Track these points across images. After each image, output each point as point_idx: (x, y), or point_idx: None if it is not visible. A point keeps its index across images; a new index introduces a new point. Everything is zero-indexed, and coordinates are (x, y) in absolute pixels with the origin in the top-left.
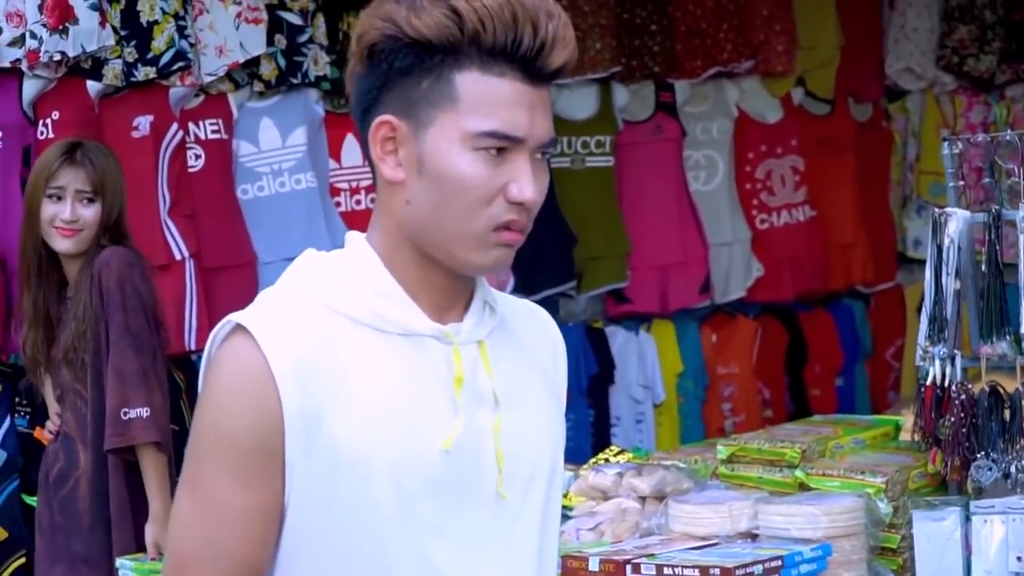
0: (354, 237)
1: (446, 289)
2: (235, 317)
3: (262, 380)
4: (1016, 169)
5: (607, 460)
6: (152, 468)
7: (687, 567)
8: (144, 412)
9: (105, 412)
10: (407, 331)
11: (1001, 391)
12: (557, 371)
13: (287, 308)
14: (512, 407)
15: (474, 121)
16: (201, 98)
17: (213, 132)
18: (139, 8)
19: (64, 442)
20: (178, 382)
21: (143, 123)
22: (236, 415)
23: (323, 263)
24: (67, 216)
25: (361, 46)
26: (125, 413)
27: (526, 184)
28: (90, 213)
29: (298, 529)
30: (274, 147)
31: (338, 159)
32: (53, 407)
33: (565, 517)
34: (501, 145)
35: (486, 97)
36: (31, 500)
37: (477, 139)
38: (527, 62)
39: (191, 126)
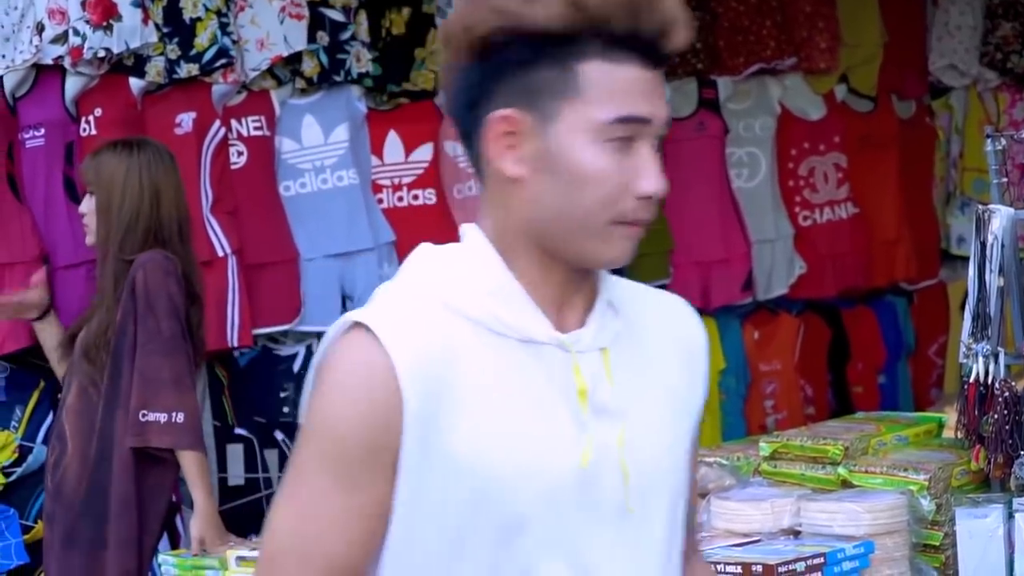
0: (471, 230)
1: (564, 286)
2: (354, 315)
3: (384, 380)
4: None
5: None
6: (191, 467)
7: (729, 564)
8: (162, 417)
9: (117, 405)
10: (525, 338)
11: None
12: (690, 373)
13: (407, 306)
14: (635, 417)
15: (603, 111)
16: (244, 95)
17: (256, 129)
18: (181, 5)
19: (58, 430)
20: (220, 378)
21: (186, 120)
22: (352, 416)
23: (441, 258)
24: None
25: (470, 37)
26: (143, 415)
27: (654, 176)
28: (89, 205)
29: (405, 534)
30: (316, 144)
31: (380, 156)
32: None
33: None
34: (630, 133)
35: (611, 85)
36: None
37: (608, 128)
38: (646, 47)
39: (233, 123)
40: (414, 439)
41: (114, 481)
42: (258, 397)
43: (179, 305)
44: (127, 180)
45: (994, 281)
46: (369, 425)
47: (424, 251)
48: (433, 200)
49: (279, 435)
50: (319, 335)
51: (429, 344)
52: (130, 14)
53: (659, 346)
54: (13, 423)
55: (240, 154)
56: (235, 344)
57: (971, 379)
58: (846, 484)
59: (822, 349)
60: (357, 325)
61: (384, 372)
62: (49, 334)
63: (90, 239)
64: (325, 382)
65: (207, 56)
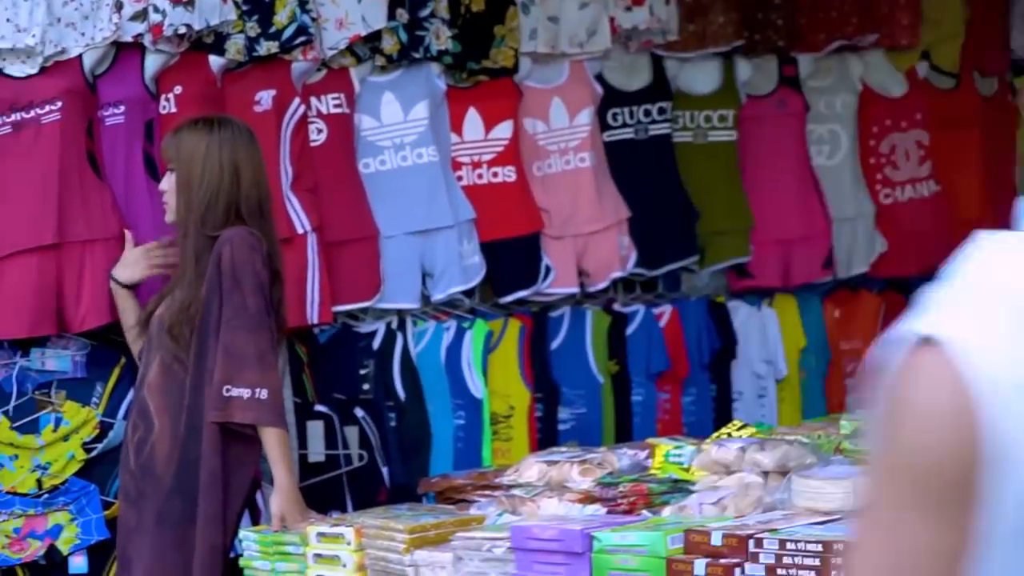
0: None
1: None
2: (919, 328)
3: (959, 404)
4: None
5: (730, 435)
6: (273, 443)
7: (810, 542)
8: (246, 393)
9: (203, 380)
10: None
11: None
12: None
13: (987, 314)
14: None
15: None
16: (323, 72)
17: (335, 106)
18: None
19: (140, 408)
20: (300, 355)
21: (265, 98)
22: (929, 447)
23: (1015, 250)
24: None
25: None
26: (227, 391)
27: None
28: (169, 182)
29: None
30: (396, 121)
31: (460, 133)
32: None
33: (687, 491)
34: None
35: None
36: None
37: None
38: None
39: (313, 100)
40: (999, 470)
41: (203, 457)
42: (338, 374)
43: (264, 281)
44: (207, 157)
45: None
46: (952, 459)
47: (990, 243)
48: (513, 177)
49: (359, 412)
50: (399, 312)
51: (1015, 360)
52: None
53: None
54: (94, 399)
55: (320, 131)
56: (315, 321)
57: None
58: None
59: None
60: (926, 341)
61: (959, 396)
62: (129, 308)
63: (170, 216)
64: (899, 409)
65: (286, 34)
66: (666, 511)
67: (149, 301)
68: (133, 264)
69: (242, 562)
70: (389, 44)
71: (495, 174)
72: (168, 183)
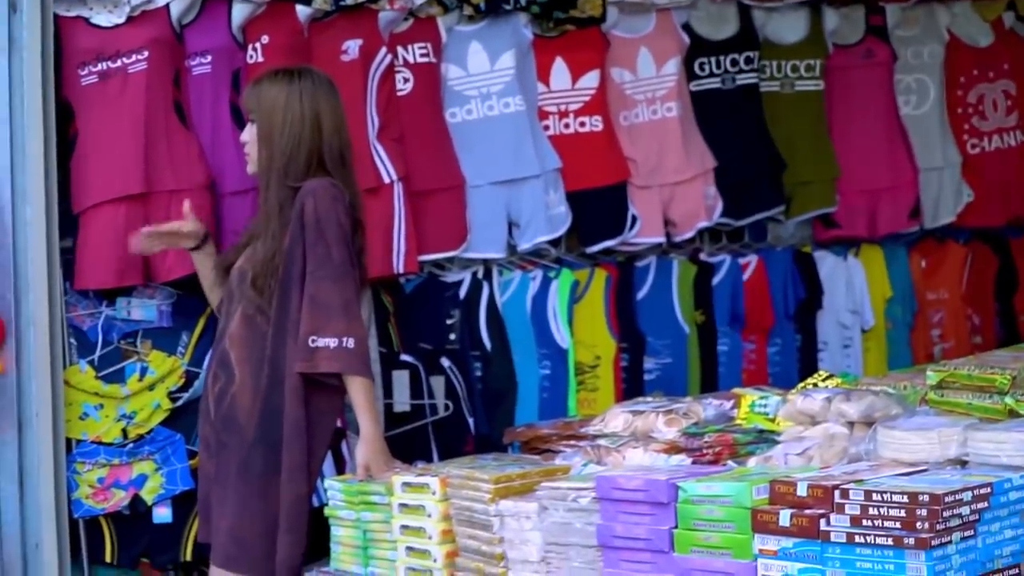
0: None
1: None
2: None
3: None
4: None
5: (815, 385)
6: (359, 393)
7: (895, 493)
8: (332, 343)
9: (287, 332)
10: None
11: None
12: None
13: None
14: None
15: None
16: (410, 22)
17: (422, 56)
18: None
19: (221, 359)
20: (386, 305)
21: (352, 47)
22: None
23: None
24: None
25: None
26: (313, 341)
27: None
28: (250, 133)
29: None
30: (483, 71)
31: (547, 83)
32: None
33: (773, 442)
34: None
35: None
36: None
37: None
38: None
39: (400, 50)
40: None
41: (286, 408)
42: (424, 324)
43: (347, 231)
44: (288, 108)
45: None
46: None
47: None
48: (600, 127)
49: (445, 362)
50: (485, 262)
51: None
52: None
53: None
54: (180, 349)
55: (406, 81)
56: (401, 271)
57: None
58: (1013, 414)
59: (989, 278)
60: None
61: None
62: (206, 264)
63: (251, 167)
64: None
65: None
66: (751, 461)
67: (227, 252)
68: (190, 229)
69: (327, 511)
70: None
71: (582, 124)
72: (249, 134)
